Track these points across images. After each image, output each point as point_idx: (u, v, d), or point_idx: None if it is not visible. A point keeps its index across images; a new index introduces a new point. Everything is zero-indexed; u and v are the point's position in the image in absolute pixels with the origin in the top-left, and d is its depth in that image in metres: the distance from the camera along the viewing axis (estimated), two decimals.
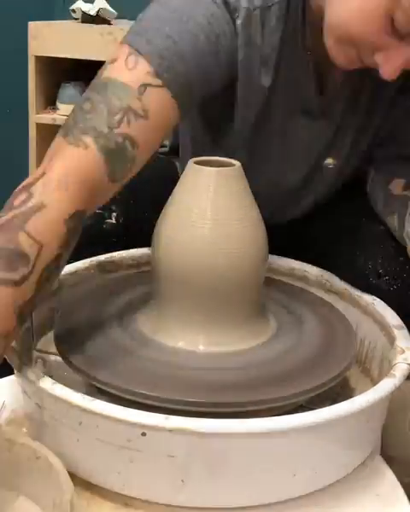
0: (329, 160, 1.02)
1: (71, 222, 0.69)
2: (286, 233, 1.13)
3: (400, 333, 0.83)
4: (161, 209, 0.82)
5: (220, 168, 0.79)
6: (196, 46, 0.79)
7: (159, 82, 0.76)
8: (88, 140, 0.72)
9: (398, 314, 0.87)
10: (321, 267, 1.00)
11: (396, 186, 0.98)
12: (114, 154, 0.73)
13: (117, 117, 0.73)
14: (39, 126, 2.13)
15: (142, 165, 0.78)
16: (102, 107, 0.73)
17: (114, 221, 1.06)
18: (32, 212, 0.67)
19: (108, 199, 0.78)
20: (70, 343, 0.79)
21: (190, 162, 0.80)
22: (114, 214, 1.08)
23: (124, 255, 1.02)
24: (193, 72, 0.79)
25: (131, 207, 1.09)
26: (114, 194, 0.78)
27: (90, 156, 0.72)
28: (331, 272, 0.99)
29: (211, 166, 0.79)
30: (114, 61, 0.78)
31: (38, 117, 2.12)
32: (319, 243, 1.05)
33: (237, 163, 0.81)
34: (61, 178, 0.69)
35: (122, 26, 2.06)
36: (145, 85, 0.75)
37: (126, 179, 0.77)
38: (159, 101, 0.76)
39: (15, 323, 0.66)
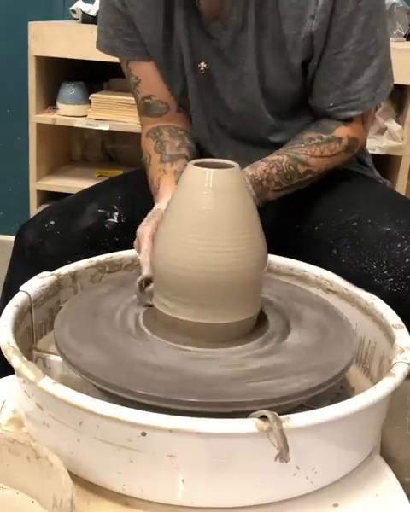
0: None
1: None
2: (289, 232, 1.13)
3: (400, 332, 0.83)
4: None
5: (219, 169, 0.79)
6: (103, 18, 1.14)
7: (120, 59, 1.18)
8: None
9: (398, 315, 0.87)
10: (324, 266, 1.00)
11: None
12: (141, 106, 1.21)
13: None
14: (39, 126, 2.12)
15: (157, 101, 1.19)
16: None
17: (115, 220, 1.06)
18: None
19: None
20: (69, 343, 0.80)
21: (190, 164, 0.80)
22: (116, 214, 1.08)
23: (124, 255, 1.02)
24: (117, 38, 1.14)
25: (132, 207, 1.09)
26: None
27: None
28: (335, 271, 0.99)
29: (209, 168, 0.79)
30: None
31: (37, 117, 2.12)
32: (324, 242, 1.05)
33: (235, 164, 0.81)
34: None
35: None
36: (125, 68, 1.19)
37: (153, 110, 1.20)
38: (128, 69, 1.18)
39: None
